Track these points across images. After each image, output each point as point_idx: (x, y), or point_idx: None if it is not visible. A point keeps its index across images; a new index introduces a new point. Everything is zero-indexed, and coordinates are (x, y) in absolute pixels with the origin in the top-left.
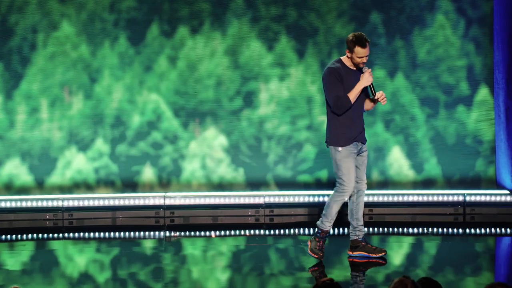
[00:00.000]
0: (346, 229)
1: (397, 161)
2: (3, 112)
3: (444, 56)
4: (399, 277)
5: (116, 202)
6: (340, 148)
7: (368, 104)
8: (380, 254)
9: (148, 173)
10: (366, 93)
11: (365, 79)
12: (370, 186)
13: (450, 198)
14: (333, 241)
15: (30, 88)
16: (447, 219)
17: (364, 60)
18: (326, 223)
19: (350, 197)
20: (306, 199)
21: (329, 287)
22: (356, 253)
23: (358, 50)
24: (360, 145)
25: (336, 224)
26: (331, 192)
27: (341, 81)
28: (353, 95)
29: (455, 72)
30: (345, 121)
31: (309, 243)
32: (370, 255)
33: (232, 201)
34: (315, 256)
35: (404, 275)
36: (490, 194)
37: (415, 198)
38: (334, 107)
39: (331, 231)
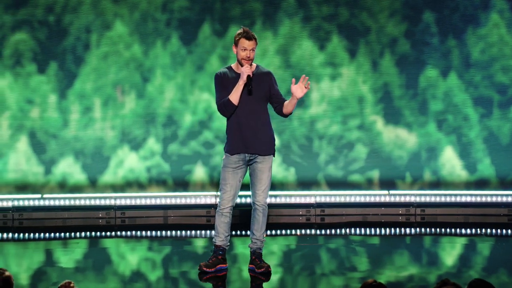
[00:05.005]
0: (397, 230)
1: (450, 161)
2: (57, 111)
3: (498, 56)
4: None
5: (168, 201)
6: (224, 155)
7: (287, 107)
8: (260, 270)
9: (199, 172)
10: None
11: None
12: (422, 186)
13: (504, 199)
14: (385, 241)
15: (83, 87)
16: (501, 220)
17: (248, 54)
18: (215, 237)
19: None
20: (357, 199)
21: None
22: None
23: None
24: (250, 156)
25: (388, 224)
26: (382, 192)
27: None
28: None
29: (509, 71)
30: (232, 127)
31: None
32: (256, 270)
33: (283, 200)
34: (206, 269)
35: (445, 280)
36: None
37: (468, 199)
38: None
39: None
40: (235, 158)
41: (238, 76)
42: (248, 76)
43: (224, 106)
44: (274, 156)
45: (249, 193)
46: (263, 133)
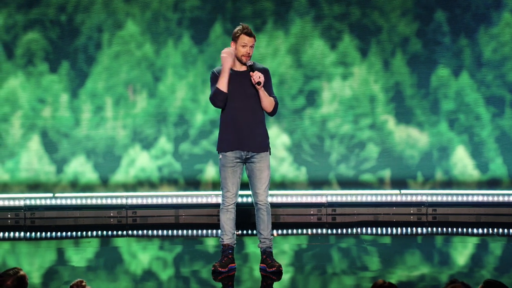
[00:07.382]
0: (408, 229)
1: (462, 160)
2: (69, 111)
3: (510, 55)
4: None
5: (179, 200)
6: (220, 155)
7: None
8: (272, 269)
9: (210, 172)
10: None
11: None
12: (433, 186)
13: None
14: (396, 241)
15: (95, 86)
16: None
17: (248, 50)
18: (223, 236)
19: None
20: (369, 198)
21: None
22: (260, 265)
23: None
24: (246, 153)
25: (399, 224)
26: (394, 191)
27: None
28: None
29: None
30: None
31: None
32: (267, 269)
33: (294, 200)
34: (221, 269)
35: (453, 280)
36: None
37: (480, 198)
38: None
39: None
40: (231, 157)
41: (232, 73)
42: (251, 68)
43: (214, 95)
44: (270, 153)
45: (248, 192)
46: (258, 130)
